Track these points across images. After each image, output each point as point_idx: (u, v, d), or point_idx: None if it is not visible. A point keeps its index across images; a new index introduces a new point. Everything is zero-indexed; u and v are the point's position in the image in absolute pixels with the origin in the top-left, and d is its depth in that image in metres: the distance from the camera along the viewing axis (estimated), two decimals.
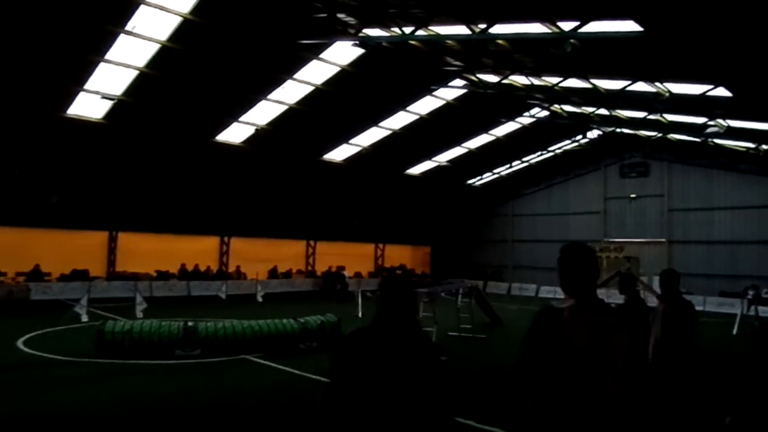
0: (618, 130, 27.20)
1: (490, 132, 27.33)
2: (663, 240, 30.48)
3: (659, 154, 30.16)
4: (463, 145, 28.61)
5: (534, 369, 2.85)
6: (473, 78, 21.03)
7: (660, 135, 26.21)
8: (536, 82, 19.92)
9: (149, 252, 26.09)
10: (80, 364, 10.74)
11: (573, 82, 19.13)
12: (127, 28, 15.71)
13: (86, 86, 18.36)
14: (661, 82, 17.16)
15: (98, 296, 20.90)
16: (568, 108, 24.03)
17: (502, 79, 20.05)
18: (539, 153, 31.49)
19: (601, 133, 28.48)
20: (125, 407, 8.00)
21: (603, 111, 22.90)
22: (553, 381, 2.80)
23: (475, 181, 35.31)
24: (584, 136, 29.10)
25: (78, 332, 14.20)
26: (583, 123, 26.23)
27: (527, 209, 36.65)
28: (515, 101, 23.37)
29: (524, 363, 2.88)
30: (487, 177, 34.83)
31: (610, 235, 32.42)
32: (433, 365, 2.99)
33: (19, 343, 12.55)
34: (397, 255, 37.84)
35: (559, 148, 30.94)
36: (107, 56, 16.88)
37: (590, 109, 23.25)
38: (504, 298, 29.08)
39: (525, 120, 26.13)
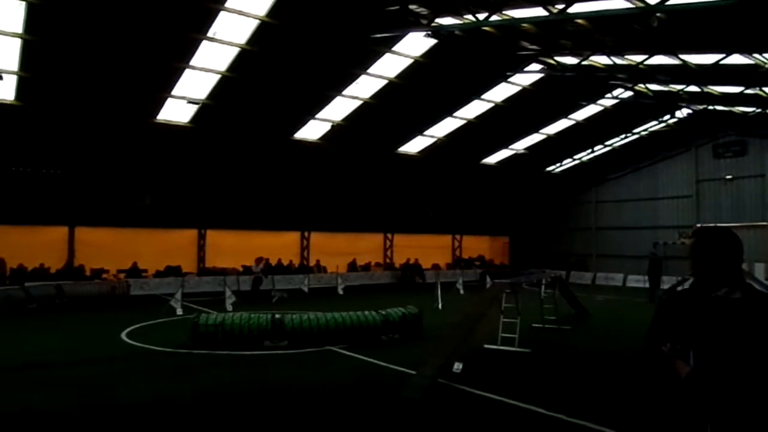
0: (710, 107, 25.41)
1: (570, 116, 26.37)
2: (764, 223, 28.24)
3: (758, 131, 27.91)
4: (541, 131, 27.78)
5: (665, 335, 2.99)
6: (550, 61, 20.33)
7: (758, 111, 24.25)
8: (619, 61, 18.97)
9: (235, 248, 27.28)
10: (178, 354, 11.40)
11: (659, 59, 18.06)
12: (209, 34, 16.41)
13: (173, 92, 19.38)
14: (760, 53, 15.85)
15: (190, 291, 22.08)
16: (654, 87, 22.73)
17: (581, 61, 19.26)
18: (623, 136, 30.02)
19: (691, 111, 26.71)
20: (222, 395, 8.40)
21: (693, 88, 21.45)
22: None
23: (555, 168, 34.22)
24: (673, 116, 27.44)
25: (174, 325, 15.07)
26: (672, 102, 24.71)
27: (612, 195, 35.07)
28: (596, 83, 22.39)
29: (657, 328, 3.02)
30: (568, 163, 33.65)
31: (703, 219, 30.38)
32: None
33: (123, 335, 13.49)
34: (475, 246, 37.43)
35: (645, 130, 29.35)
36: (191, 62, 17.71)
37: (679, 87, 21.85)
38: (589, 289, 28.05)
39: (607, 102, 24.98)
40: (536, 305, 14.87)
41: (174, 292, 18.35)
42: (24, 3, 14.20)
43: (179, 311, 17.06)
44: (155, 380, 9.42)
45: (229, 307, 17.29)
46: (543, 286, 16.45)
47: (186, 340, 12.03)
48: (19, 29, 15.13)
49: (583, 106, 25.24)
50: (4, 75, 16.90)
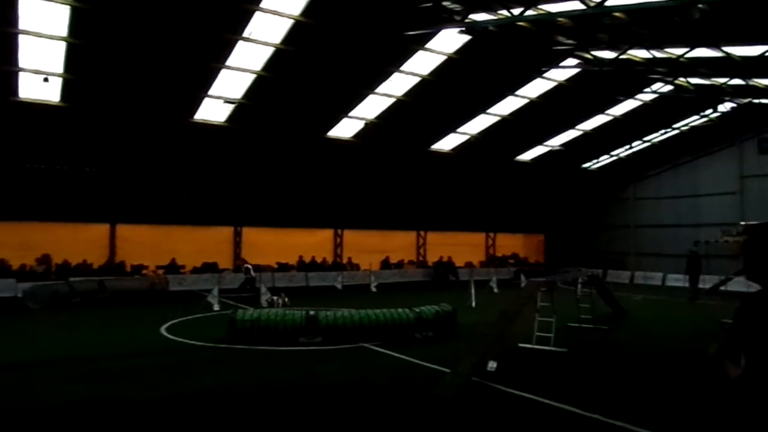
0: (755, 101, 24.54)
1: (607, 112, 25.84)
2: None
3: None
4: (577, 127, 27.31)
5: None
6: (587, 56, 19.96)
7: None
8: (658, 54, 18.49)
9: (270, 245, 27.67)
10: (215, 349, 11.64)
11: (701, 52, 17.54)
12: (245, 34, 16.67)
13: (210, 92, 19.75)
14: None
15: (227, 287, 22.48)
16: (695, 80, 22.07)
17: (619, 55, 18.86)
18: (663, 131, 29.25)
19: (734, 105, 25.82)
20: (259, 390, 8.55)
21: (737, 81, 20.76)
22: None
23: (591, 165, 33.58)
24: (715, 110, 26.56)
25: (211, 320, 15.39)
26: (714, 96, 23.94)
27: (650, 192, 34.22)
28: (634, 77, 21.86)
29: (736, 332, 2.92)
30: (605, 159, 32.97)
31: (748, 217, 29.32)
32: None
33: (163, 330, 13.83)
34: (509, 243, 37.05)
35: (686, 125, 28.54)
36: (228, 63, 18.03)
37: (722, 80, 21.18)
38: (627, 288, 27.46)
39: (646, 96, 24.38)
40: (572, 304, 14.65)
41: (211, 288, 18.72)
42: (68, 7, 14.67)
43: (216, 307, 17.39)
44: (193, 373, 9.65)
45: (264, 304, 17.55)
46: (579, 285, 16.18)
47: (223, 335, 12.27)
48: (64, 33, 15.65)
49: (621, 101, 24.71)
50: (49, 77, 17.51)
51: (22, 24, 15.17)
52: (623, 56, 18.96)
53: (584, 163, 33.21)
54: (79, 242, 23.77)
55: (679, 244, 29.41)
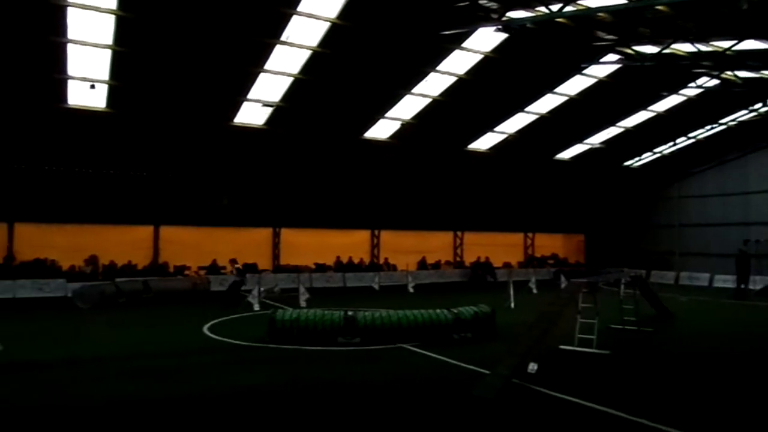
0: None
1: (650, 108, 25.14)
2: None
3: None
4: (618, 124, 26.65)
5: None
6: (628, 51, 19.47)
7: None
8: (703, 48, 17.91)
9: (308, 246, 27.98)
10: (256, 348, 11.83)
11: (749, 44, 16.90)
12: (282, 38, 16.89)
13: (249, 96, 20.08)
14: None
15: (266, 287, 22.78)
16: (743, 74, 21.25)
17: (662, 49, 18.33)
18: (709, 127, 28.28)
19: None
20: (298, 389, 8.65)
21: None
22: None
23: (633, 163, 32.73)
24: (765, 104, 25.57)
25: (252, 320, 15.65)
26: (763, 89, 23.04)
27: (696, 190, 33.16)
28: (678, 72, 21.22)
29: None
30: (647, 157, 32.06)
31: None
32: None
33: (205, 329, 14.14)
34: (548, 244, 36.46)
35: (733, 120, 27.50)
36: (266, 66, 18.30)
37: None
38: (671, 288, 26.68)
39: (690, 91, 23.62)
40: (615, 306, 14.30)
41: (251, 289, 19.02)
42: (113, 17, 15.16)
43: (256, 307, 17.68)
44: (234, 372, 9.83)
45: (303, 304, 17.75)
46: (622, 286, 15.79)
47: (263, 334, 12.45)
48: (110, 41, 16.17)
49: (664, 96, 24.01)
50: (96, 84, 18.10)
51: (71, 34, 15.74)
52: (666, 50, 18.44)
53: (626, 161, 32.40)
54: (124, 243, 24.53)
55: (727, 244, 28.39)
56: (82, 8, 14.77)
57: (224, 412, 7.50)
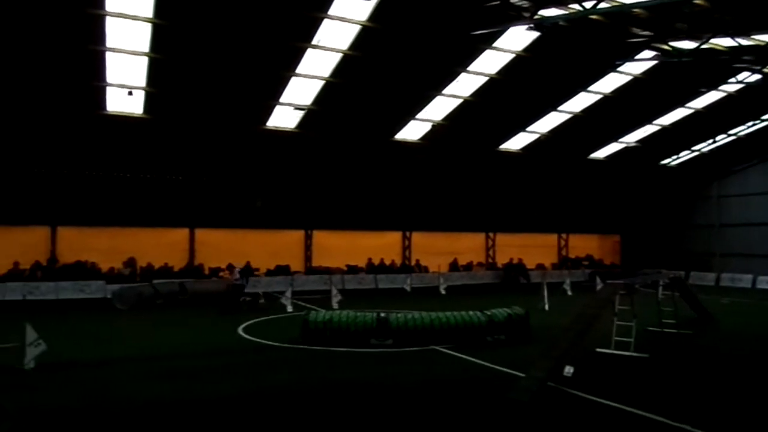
0: None
1: (687, 105, 24.49)
2: None
3: None
4: (655, 122, 26.04)
5: None
6: (665, 47, 19.01)
7: None
8: (744, 42, 17.38)
9: (339, 248, 28.11)
10: (289, 349, 11.95)
11: None
12: (313, 42, 17.04)
13: (281, 100, 20.31)
14: None
15: (298, 289, 23.01)
16: None
17: (700, 44, 17.84)
18: (750, 123, 27.41)
19: None
20: (331, 389, 8.69)
21: None
22: None
23: (671, 161, 31.92)
24: None
25: (285, 321, 15.80)
26: None
27: (737, 188, 32.13)
28: (717, 67, 20.61)
29: None
30: (685, 155, 31.25)
31: None
32: None
33: (240, 330, 14.34)
34: (583, 245, 35.80)
35: None
36: (297, 70, 18.48)
37: None
38: (712, 290, 25.93)
39: (730, 87, 22.92)
40: (653, 308, 13.96)
41: (284, 290, 19.21)
42: (150, 24, 15.53)
43: (289, 308, 17.85)
44: (268, 372, 9.95)
45: (336, 305, 17.82)
46: (660, 288, 15.41)
47: (296, 335, 12.56)
48: (146, 48, 16.57)
49: (703, 93, 23.35)
50: (133, 91, 18.57)
51: (109, 42, 16.18)
52: (705, 46, 17.93)
53: (663, 159, 31.62)
54: (161, 246, 25.06)
55: None
56: (120, 17, 15.19)
57: (256, 412, 7.59)
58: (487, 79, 20.26)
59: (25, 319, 10.17)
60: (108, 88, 18.56)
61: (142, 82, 18.32)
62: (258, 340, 13.08)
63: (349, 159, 25.69)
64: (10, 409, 6.76)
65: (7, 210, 21.57)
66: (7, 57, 16.09)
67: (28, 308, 18.04)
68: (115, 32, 15.91)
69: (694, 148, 30.28)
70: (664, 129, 26.77)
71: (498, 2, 15.58)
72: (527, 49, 18.59)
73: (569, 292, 22.62)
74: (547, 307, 18.36)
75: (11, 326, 12.07)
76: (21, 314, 14.14)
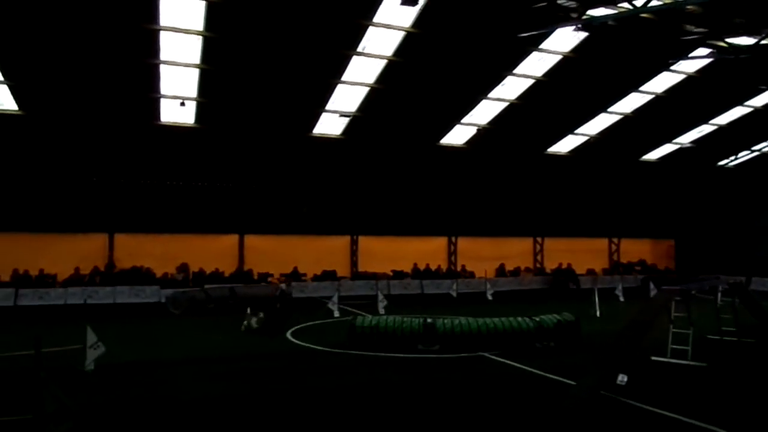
0: None
1: (746, 103, 23.49)
2: None
3: None
4: (711, 122, 25.08)
5: None
6: (721, 44, 18.32)
7: None
8: None
9: (385, 253, 28.14)
10: (336, 354, 12.04)
11: None
12: (359, 49, 17.23)
13: (327, 107, 20.60)
14: None
15: (345, 294, 23.16)
16: None
17: (759, 40, 17.11)
18: None
19: None
20: (378, 395, 8.72)
21: None
22: None
23: (728, 162, 30.64)
24: None
25: (332, 326, 15.93)
26: None
27: None
28: None
29: None
30: (744, 156, 29.94)
31: None
32: None
33: (288, 335, 14.55)
34: (635, 249, 34.64)
35: None
36: (343, 77, 18.71)
37: None
38: None
39: None
40: (711, 315, 13.39)
41: (331, 295, 19.38)
42: (200, 37, 16.05)
43: (336, 313, 18.00)
44: (315, 376, 10.06)
45: (382, 311, 17.85)
46: (719, 294, 14.76)
47: (344, 340, 12.66)
48: (197, 60, 17.12)
49: (763, 90, 22.35)
50: (185, 102, 19.21)
51: (163, 55, 16.81)
52: (764, 41, 17.17)
53: (720, 160, 30.39)
54: (212, 251, 25.72)
55: None
56: (172, 31, 15.76)
57: (305, 412, 7.69)
58: (533, 81, 20.00)
59: (85, 323, 10.60)
60: (162, 100, 19.27)
61: (194, 93, 18.93)
62: (307, 344, 13.24)
63: (393, 164, 25.76)
64: (73, 408, 7.06)
65: (68, 218, 22.59)
66: (69, 72, 16.94)
67: (87, 312, 18.82)
68: (168, 46, 16.54)
69: (753, 148, 28.97)
70: (721, 129, 25.75)
71: (545, 3, 15.38)
72: (575, 50, 18.29)
73: (621, 298, 21.96)
74: (598, 313, 17.89)
75: (72, 329, 12.61)
76: (81, 318, 14.77)
